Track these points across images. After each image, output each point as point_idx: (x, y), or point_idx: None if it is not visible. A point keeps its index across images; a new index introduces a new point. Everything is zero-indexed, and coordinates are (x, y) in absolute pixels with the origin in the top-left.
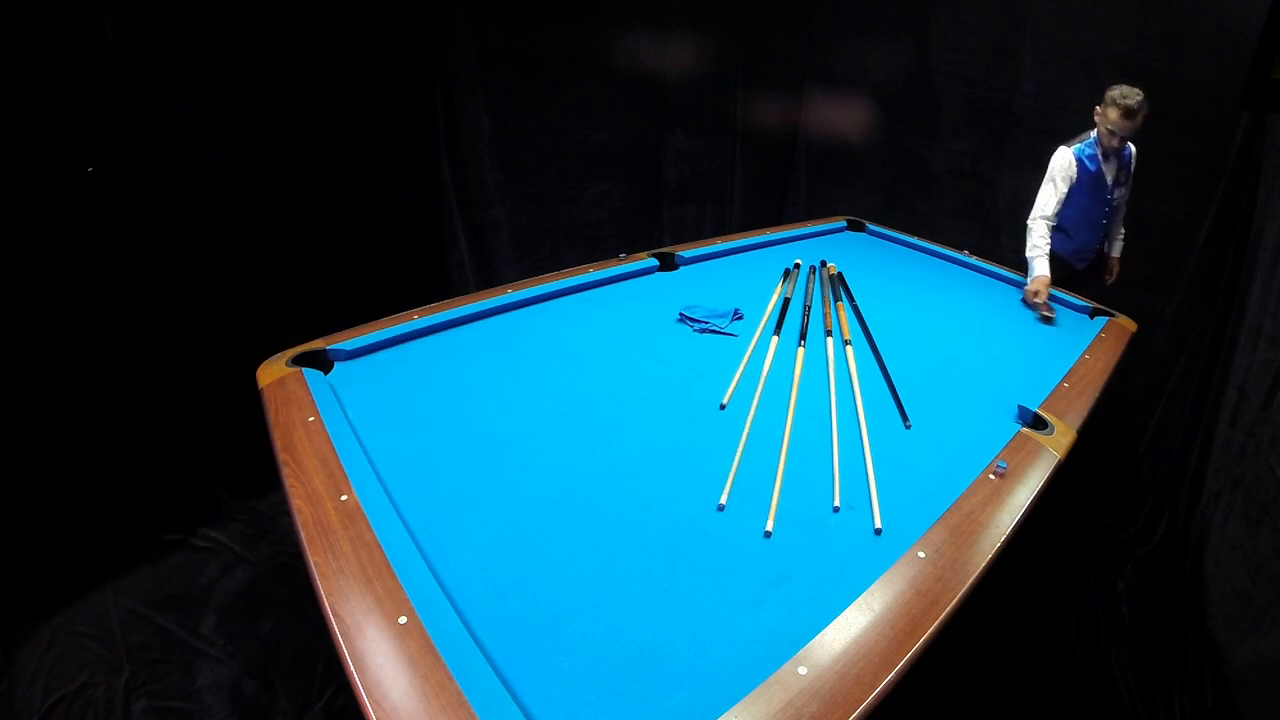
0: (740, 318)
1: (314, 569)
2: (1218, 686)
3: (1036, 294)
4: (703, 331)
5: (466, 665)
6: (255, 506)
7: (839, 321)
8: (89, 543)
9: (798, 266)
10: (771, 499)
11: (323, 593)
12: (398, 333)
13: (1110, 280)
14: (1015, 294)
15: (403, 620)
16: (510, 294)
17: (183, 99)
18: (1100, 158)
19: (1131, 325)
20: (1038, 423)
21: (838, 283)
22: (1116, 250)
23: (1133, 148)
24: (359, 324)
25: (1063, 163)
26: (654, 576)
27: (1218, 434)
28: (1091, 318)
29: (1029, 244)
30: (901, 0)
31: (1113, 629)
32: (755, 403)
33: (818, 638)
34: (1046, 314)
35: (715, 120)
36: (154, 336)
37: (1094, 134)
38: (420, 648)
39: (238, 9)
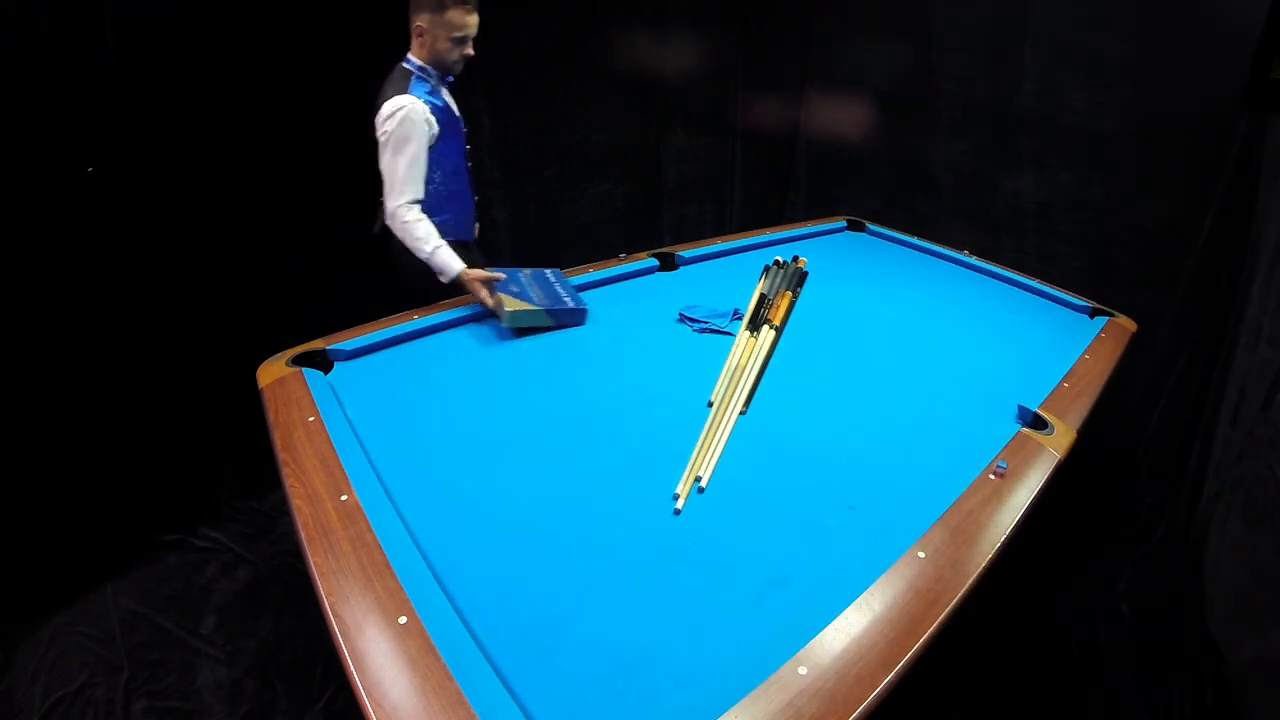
0: (740, 318)
1: (314, 569)
2: (1218, 686)
3: (487, 299)
4: (703, 331)
5: (466, 665)
6: (255, 506)
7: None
8: (89, 543)
9: (778, 263)
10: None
11: (323, 593)
12: (398, 333)
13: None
14: (1015, 294)
15: (403, 620)
16: None
17: (183, 98)
18: (441, 87)
19: (1131, 325)
20: (1038, 423)
21: (795, 277)
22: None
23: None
24: (359, 324)
25: (417, 116)
26: (654, 576)
27: (1218, 434)
28: (1091, 318)
29: (413, 238)
30: (901, 0)
31: (1112, 629)
32: (737, 396)
33: (818, 638)
34: (494, 305)
35: (715, 120)
36: (154, 336)
37: (412, 64)
38: (420, 648)
39: (238, 9)
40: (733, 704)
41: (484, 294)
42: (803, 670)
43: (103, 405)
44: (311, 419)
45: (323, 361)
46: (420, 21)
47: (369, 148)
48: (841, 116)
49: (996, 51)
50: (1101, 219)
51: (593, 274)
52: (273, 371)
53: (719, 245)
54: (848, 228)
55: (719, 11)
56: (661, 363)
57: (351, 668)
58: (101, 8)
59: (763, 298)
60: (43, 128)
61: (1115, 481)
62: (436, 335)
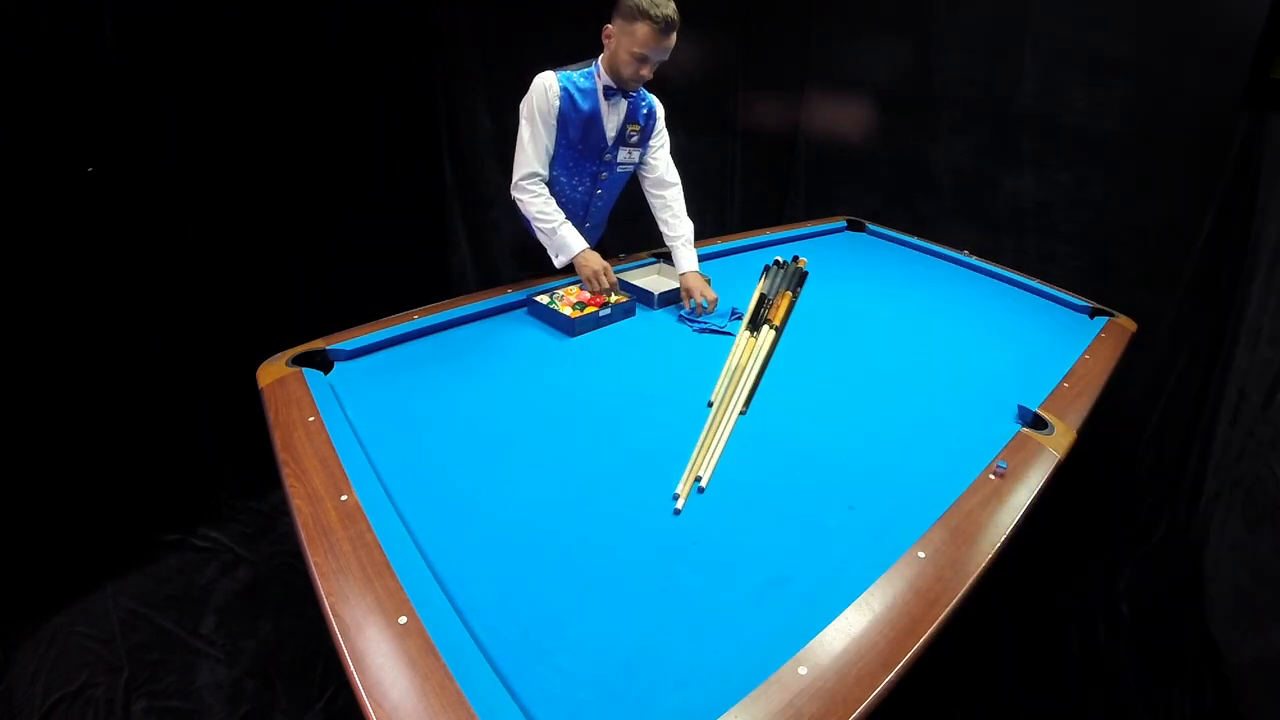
0: (739, 317)
1: (314, 569)
2: (1218, 686)
3: (596, 277)
4: (702, 331)
5: (466, 665)
6: (255, 506)
7: (773, 311)
8: (89, 543)
9: (778, 263)
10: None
11: (323, 593)
12: (398, 333)
13: (707, 310)
14: (1015, 294)
15: (403, 620)
16: (510, 294)
17: (183, 98)
18: (600, 96)
19: (1131, 325)
20: (1038, 423)
21: (795, 277)
22: (688, 260)
23: (658, 105)
24: (359, 324)
25: (540, 91)
26: (654, 576)
27: (1218, 434)
28: (1091, 318)
29: (530, 213)
30: (901, 0)
31: (1112, 629)
32: (737, 396)
33: (818, 638)
34: (616, 296)
35: (715, 120)
36: (154, 336)
37: (596, 62)
38: (420, 648)
39: (238, 9)
40: (733, 704)
41: (601, 278)
42: (803, 670)
43: (103, 405)
44: (311, 419)
45: (323, 361)
46: (612, 25)
47: (369, 148)
48: (841, 116)
49: (996, 51)
50: (1101, 219)
51: None
52: (273, 371)
53: (719, 245)
54: (848, 228)
55: (719, 11)
56: (661, 363)
57: (351, 668)
58: (101, 8)
59: (763, 298)
60: (43, 128)
61: (1115, 481)
62: (436, 335)
